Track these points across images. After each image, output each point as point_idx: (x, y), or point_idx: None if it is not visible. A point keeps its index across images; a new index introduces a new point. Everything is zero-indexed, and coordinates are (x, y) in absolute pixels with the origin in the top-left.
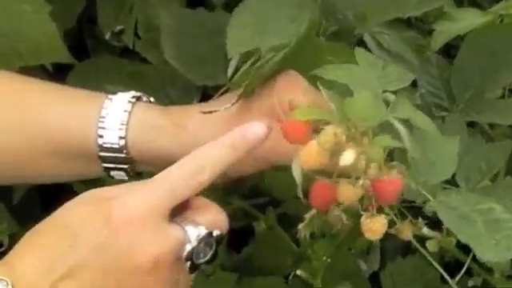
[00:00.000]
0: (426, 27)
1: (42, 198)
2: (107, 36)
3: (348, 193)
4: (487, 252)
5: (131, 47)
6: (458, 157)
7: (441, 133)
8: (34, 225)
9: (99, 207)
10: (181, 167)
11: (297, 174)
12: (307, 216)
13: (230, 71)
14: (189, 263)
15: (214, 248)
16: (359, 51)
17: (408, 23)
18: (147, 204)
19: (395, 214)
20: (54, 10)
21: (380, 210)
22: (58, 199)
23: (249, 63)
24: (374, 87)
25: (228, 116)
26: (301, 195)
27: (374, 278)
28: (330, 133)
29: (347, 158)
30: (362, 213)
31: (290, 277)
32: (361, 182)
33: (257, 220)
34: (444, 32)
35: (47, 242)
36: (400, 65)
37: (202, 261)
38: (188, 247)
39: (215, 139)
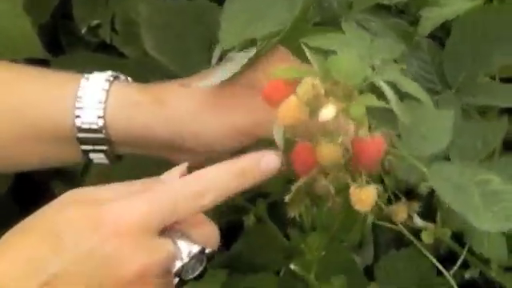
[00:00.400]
0: (409, 18)
1: (19, 203)
2: (83, 31)
3: (327, 151)
4: (484, 223)
5: (109, 41)
6: (453, 135)
7: None
8: None
9: (89, 212)
10: (184, 185)
11: (278, 137)
12: (293, 187)
13: (213, 61)
14: (177, 279)
15: (204, 264)
16: (347, 27)
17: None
18: (141, 216)
19: (389, 197)
20: (27, 5)
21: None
22: (35, 203)
23: (235, 50)
24: (362, 53)
25: (209, 91)
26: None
27: (368, 272)
28: (307, 83)
29: (327, 113)
30: (350, 183)
31: (282, 272)
32: (339, 139)
33: (246, 214)
34: (432, 18)
35: (30, 243)
36: None
37: (191, 277)
38: (178, 263)
39: (196, 114)
